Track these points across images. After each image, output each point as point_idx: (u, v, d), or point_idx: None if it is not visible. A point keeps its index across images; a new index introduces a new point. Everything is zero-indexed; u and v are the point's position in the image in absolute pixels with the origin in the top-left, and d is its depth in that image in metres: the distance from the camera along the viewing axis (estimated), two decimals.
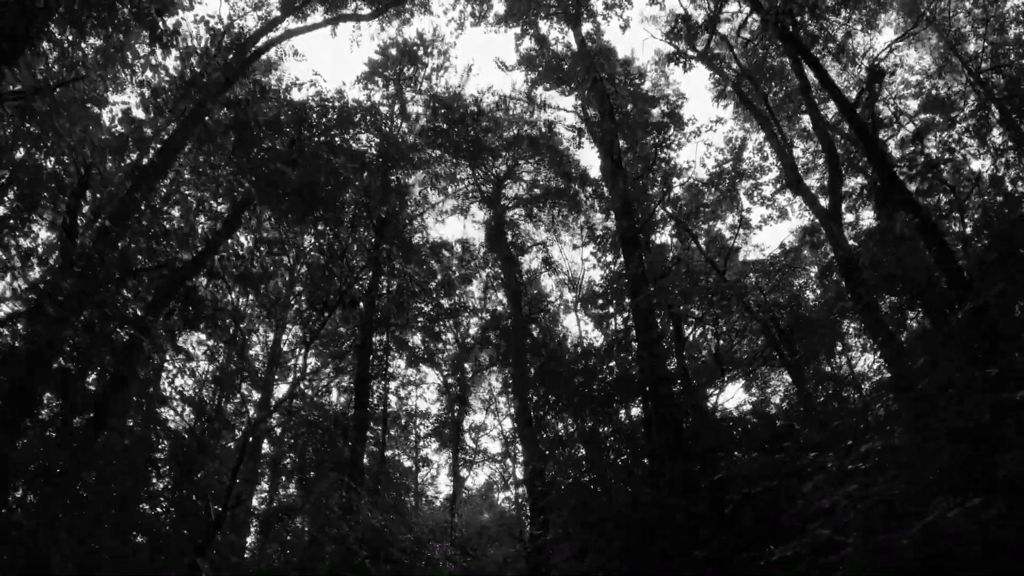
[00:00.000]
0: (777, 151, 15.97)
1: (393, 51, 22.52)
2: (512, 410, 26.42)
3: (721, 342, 16.81)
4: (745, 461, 9.74)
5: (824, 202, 15.66)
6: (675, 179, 16.04)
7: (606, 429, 12.14)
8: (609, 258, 18.78)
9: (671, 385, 11.23)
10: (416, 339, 20.61)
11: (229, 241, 14.03)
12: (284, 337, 23.71)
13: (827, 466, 6.97)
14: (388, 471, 21.70)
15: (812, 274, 24.17)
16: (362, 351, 16.23)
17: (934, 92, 22.85)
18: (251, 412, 14.55)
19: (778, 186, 20.55)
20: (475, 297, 21.72)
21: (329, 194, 11.80)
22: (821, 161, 24.64)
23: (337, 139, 15.89)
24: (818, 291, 20.50)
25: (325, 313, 10.27)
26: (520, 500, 24.19)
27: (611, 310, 16.95)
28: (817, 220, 16.86)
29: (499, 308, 21.52)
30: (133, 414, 12.44)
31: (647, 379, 11.12)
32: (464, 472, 22.91)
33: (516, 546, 17.37)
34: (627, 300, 13.94)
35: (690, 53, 18.14)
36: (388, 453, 25.04)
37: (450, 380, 22.28)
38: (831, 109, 20.53)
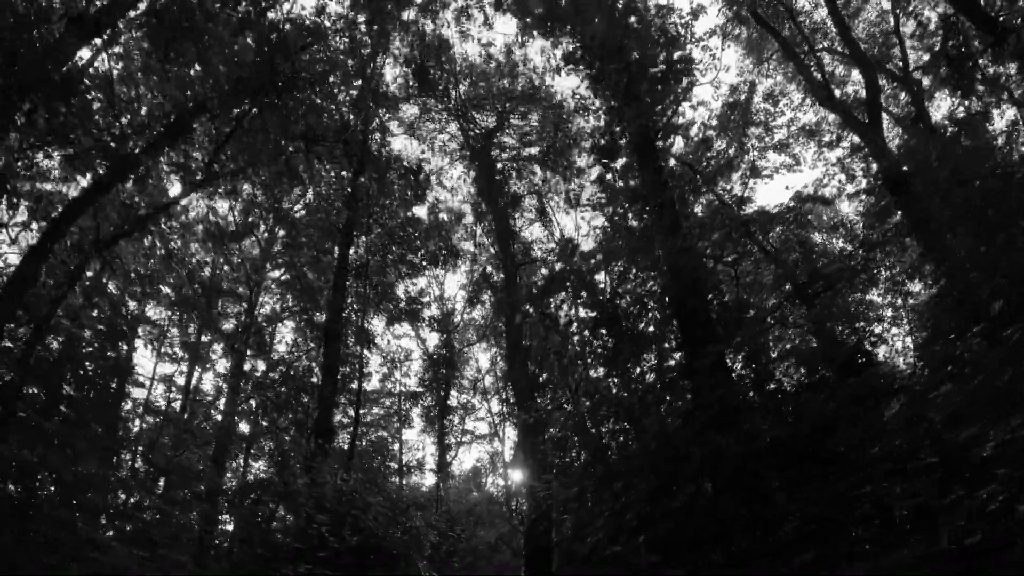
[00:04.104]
0: (803, 72, 14.34)
1: None
2: (500, 388, 24.54)
3: (740, 293, 15.17)
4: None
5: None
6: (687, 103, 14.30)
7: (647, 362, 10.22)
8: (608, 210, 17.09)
9: (701, 300, 9.37)
10: (399, 291, 18.64)
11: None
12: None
13: None
14: (366, 446, 19.57)
15: (819, 238, 22.84)
16: (334, 296, 14.17)
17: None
18: None
19: (793, 129, 19.04)
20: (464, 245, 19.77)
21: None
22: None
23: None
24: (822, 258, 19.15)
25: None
26: (510, 483, 22.28)
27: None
28: (848, 147, 15.36)
29: (489, 268, 19.63)
30: None
31: (676, 292, 9.27)
32: (451, 441, 20.82)
33: (514, 522, 15.49)
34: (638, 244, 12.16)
35: None
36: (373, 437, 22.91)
37: (436, 341, 20.26)
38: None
